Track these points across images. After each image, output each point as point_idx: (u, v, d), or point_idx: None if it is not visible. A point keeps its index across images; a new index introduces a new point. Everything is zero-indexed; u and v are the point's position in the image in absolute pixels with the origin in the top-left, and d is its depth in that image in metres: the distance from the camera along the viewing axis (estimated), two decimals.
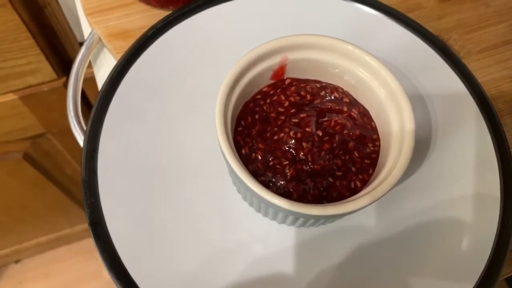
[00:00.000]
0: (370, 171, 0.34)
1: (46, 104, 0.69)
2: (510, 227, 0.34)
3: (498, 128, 0.38)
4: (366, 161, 0.34)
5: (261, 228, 0.35)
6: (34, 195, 0.94)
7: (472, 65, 0.45)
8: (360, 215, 0.36)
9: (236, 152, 0.31)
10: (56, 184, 0.92)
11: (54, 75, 0.65)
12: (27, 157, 0.80)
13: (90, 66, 0.47)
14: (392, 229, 0.35)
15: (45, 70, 0.63)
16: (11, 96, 0.66)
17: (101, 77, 0.45)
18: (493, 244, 0.34)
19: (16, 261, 1.30)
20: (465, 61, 0.45)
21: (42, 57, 0.61)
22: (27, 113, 0.70)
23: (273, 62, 0.35)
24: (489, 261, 0.33)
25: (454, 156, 0.38)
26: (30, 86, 0.66)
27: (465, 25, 0.47)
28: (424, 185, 0.37)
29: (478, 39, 0.46)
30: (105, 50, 0.46)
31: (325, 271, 0.34)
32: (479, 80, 0.44)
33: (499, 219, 0.35)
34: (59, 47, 0.67)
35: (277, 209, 0.29)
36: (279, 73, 0.36)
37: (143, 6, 0.45)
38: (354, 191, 0.33)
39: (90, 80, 0.48)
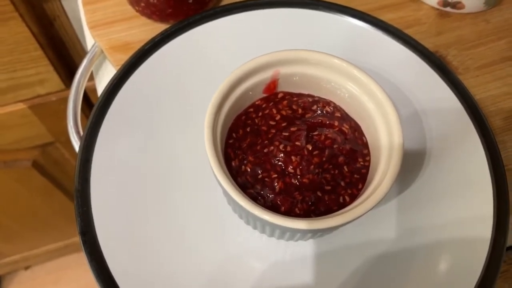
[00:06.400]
0: (360, 186, 0.34)
1: (55, 113, 0.71)
2: (502, 247, 0.34)
3: (493, 146, 0.37)
4: (355, 175, 0.34)
5: (253, 242, 0.36)
6: (42, 203, 0.95)
7: (471, 81, 0.44)
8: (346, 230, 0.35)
9: (224, 165, 0.32)
10: (64, 192, 0.94)
11: (62, 85, 0.67)
12: (36, 165, 0.82)
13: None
14: (379, 247, 0.35)
15: (53, 80, 0.65)
16: (20, 106, 0.68)
17: (102, 88, 0.46)
18: (486, 261, 0.33)
19: (26, 268, 1.31)
20: (464, 77, 0.44)
21: (51, 68, 0.63)
22: (36, 122, 0.72)
23: (265, 76, 0.35)
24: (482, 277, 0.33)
25: (448, 173, 0.38)
26: (38, 96, 0.68)
27: (464, 41, 0.46)
28: (416, 201, 0.37)
29: (477, 55, 0.46)
30: (107, 62, 0.47)
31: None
32: (478, 97, 0.43)
33: (491, 236, 0.34)
34: (67, 58, 0.69)
35: (261, 221, 0.29)
36: (271, 87, 0.36)
37: (144, 20, 0.46)
38: (342, 206, 0.33)
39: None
